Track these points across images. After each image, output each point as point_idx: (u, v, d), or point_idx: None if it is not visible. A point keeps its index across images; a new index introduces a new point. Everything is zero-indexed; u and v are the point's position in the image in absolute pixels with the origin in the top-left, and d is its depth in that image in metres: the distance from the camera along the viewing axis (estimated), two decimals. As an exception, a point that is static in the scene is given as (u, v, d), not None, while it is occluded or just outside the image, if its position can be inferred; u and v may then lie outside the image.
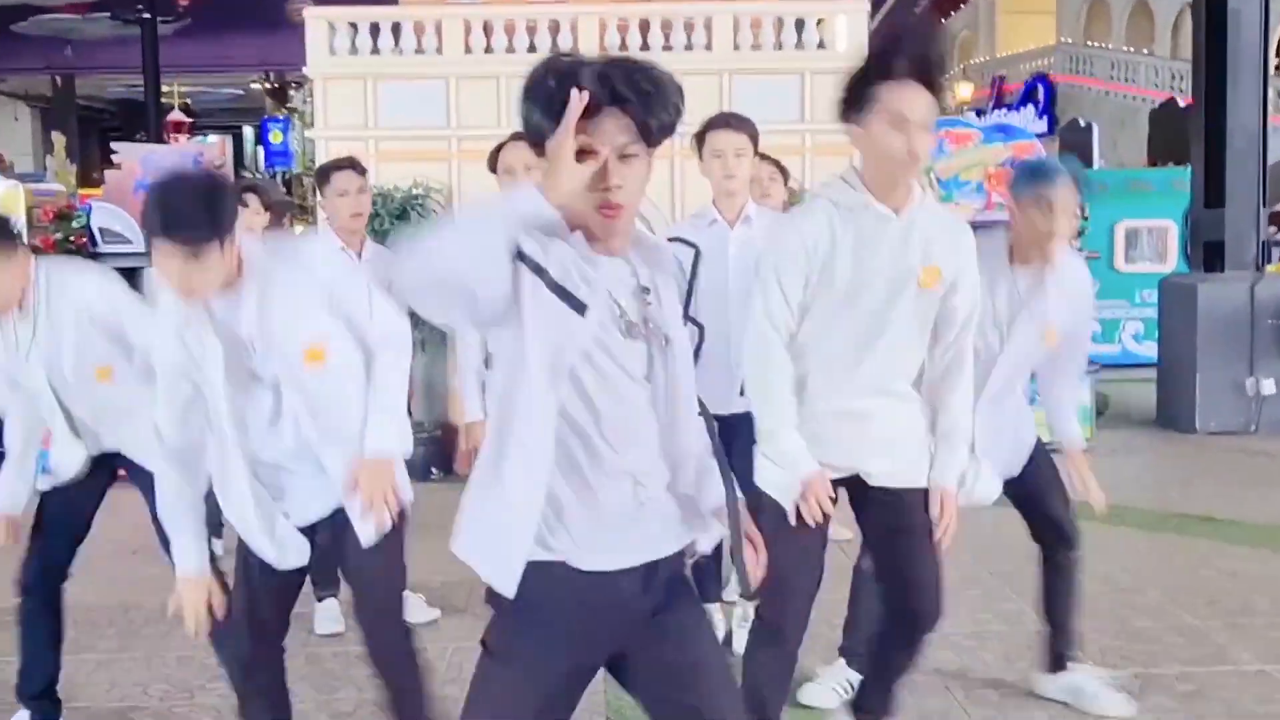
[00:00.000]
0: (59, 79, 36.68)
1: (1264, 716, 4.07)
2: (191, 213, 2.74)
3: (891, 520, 3.16)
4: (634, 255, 2.02)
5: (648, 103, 1.84)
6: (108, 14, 33.18)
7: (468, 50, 8.04)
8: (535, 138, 1.86)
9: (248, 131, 28.58)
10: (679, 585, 2.30)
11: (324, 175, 5.34)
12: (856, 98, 2.79)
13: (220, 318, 3.02)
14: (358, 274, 4.58)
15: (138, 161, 9.44)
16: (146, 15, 30.52)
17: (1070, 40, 23.83)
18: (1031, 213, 3.82)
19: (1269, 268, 9.52)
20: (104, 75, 36.91)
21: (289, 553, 3.15)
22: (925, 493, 3.12)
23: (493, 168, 4.92)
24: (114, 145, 11.37)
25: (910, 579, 3.21)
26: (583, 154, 1.78)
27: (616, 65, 1.86)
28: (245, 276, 3.02)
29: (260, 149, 28.18)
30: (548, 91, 1.79)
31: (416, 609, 5.50)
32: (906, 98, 2.71)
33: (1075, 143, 15.40)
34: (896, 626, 3.34)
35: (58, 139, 28.16)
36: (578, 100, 1.72)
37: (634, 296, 1.96)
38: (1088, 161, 14.32)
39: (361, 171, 5.35)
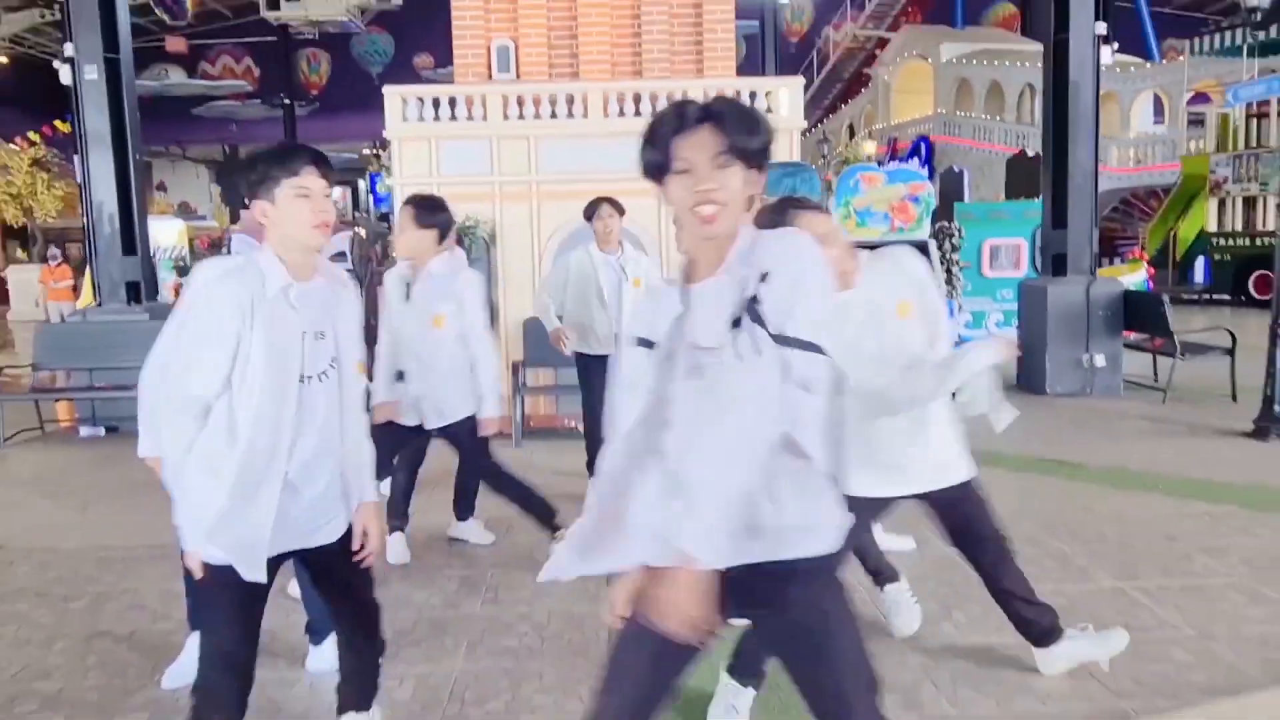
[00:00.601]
0: (226, 148, 36.29)
1: (1123, 624, 3.63)
2: None
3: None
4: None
5: (736, 121, 1.73)
6: (260, 100, 32.95)
7: (505, 117, 7.64)
8: (654, 173, 1.76)
9: (361, 184, 28.24)
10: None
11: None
12: None
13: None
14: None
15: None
16: (287, 102, 30.55)
17: (944, 111, 24.24)
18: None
19: (1099, 272, 9.43)
20: (258, 142, 36.47)
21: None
22: None
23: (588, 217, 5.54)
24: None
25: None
26: (682, 173, 1.72)
27: (716, 98, 1.82)
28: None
29: (370, 196, 27.89)
30: (660, 134, 1.73)
31: (476, 532, 5.15)
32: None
33: (951, 184, 15.26)
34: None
35: (214, 190, 27.86)
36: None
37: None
38: (960, 198, 14.13)
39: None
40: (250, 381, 2.18)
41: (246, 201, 2.26)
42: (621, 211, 5.54)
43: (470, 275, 4.69)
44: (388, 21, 30.24)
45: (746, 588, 1.72)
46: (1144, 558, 4.55)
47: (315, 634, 3.61)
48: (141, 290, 8.46)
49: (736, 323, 1.75)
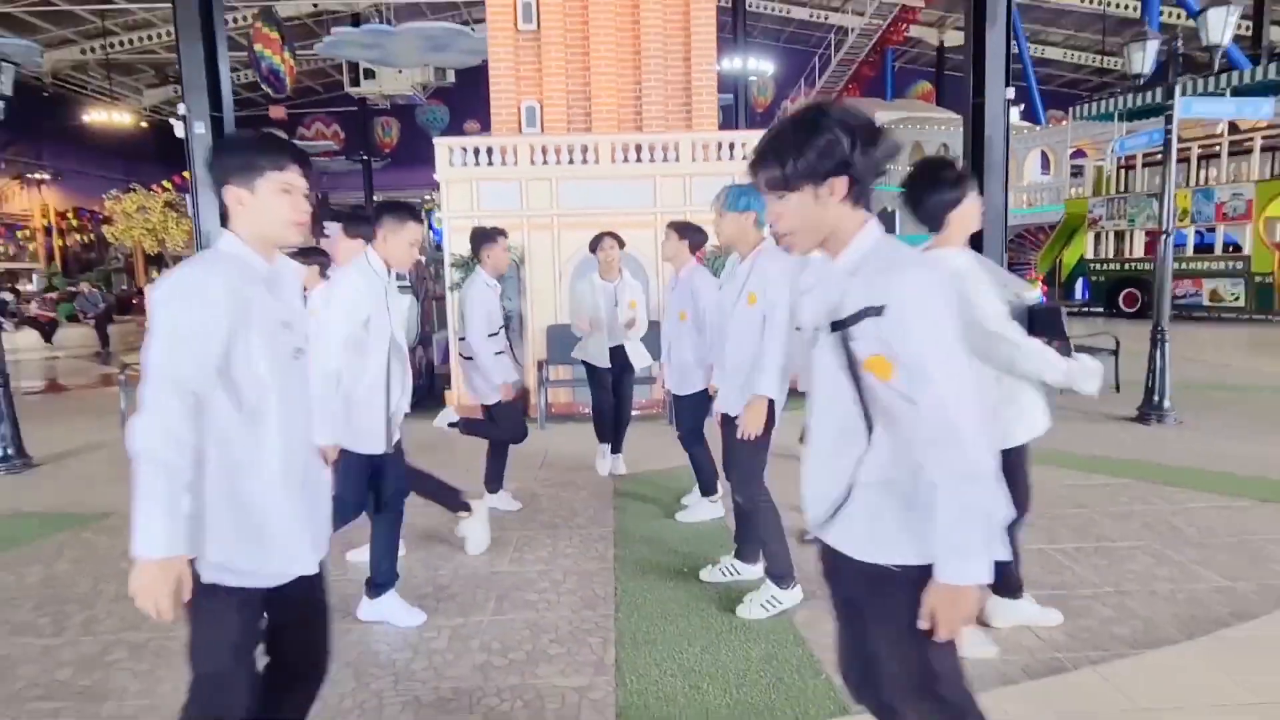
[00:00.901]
0: (319, 194, 35.91)
1: (1051, 584, 3.26)
2: None
3: None
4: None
5: (764, 158, 1.53)
6: (344, 157, 32.66)
7: (532, 163, 7.31)
8: (777, 185, 1.52)
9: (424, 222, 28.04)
10: None
11: (492, 238, 4.58)
12: None
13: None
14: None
15: (341, 232, 8.86)
16: (365, 158, 30.18)
17: None
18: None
19: (1008, 289, 8.99)
20: (344, 192, 36.14)
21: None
22: None
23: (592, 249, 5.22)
24: (325, 224, 10.57)
25: None
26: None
27: (767, 133, 1.56)
28: None
29: (430, 232, 27.73)
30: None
31: (506, 500, 4.76)
32: None
33: (885, 222, 14.79)
34: None
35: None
36: None
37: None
38: (893, 231, 13.68)
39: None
40: (259, 371, 1.65)
41: (220, 184, 1.72)
42: (622, 244, 5.19)
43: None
44: (444, 95, 29.91)
45: None
46: (1059, 523, 4.20)
47: (376, 588, 3.22)
48: None
49: (835, 326, 1.50)
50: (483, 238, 4.60)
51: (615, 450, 5.43)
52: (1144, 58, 6.47)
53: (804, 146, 1.46)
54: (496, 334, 4.53)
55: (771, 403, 3.13)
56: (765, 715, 2.52)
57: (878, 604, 1.56)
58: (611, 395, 5.32)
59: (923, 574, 1.44)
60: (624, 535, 4.25)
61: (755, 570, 3.43)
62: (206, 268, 1.64)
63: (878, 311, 1.42)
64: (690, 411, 4.39)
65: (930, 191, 2.62)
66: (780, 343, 3.06)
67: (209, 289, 1.60)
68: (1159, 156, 15.60)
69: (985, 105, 7.86)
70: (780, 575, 3.19)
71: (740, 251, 3.29)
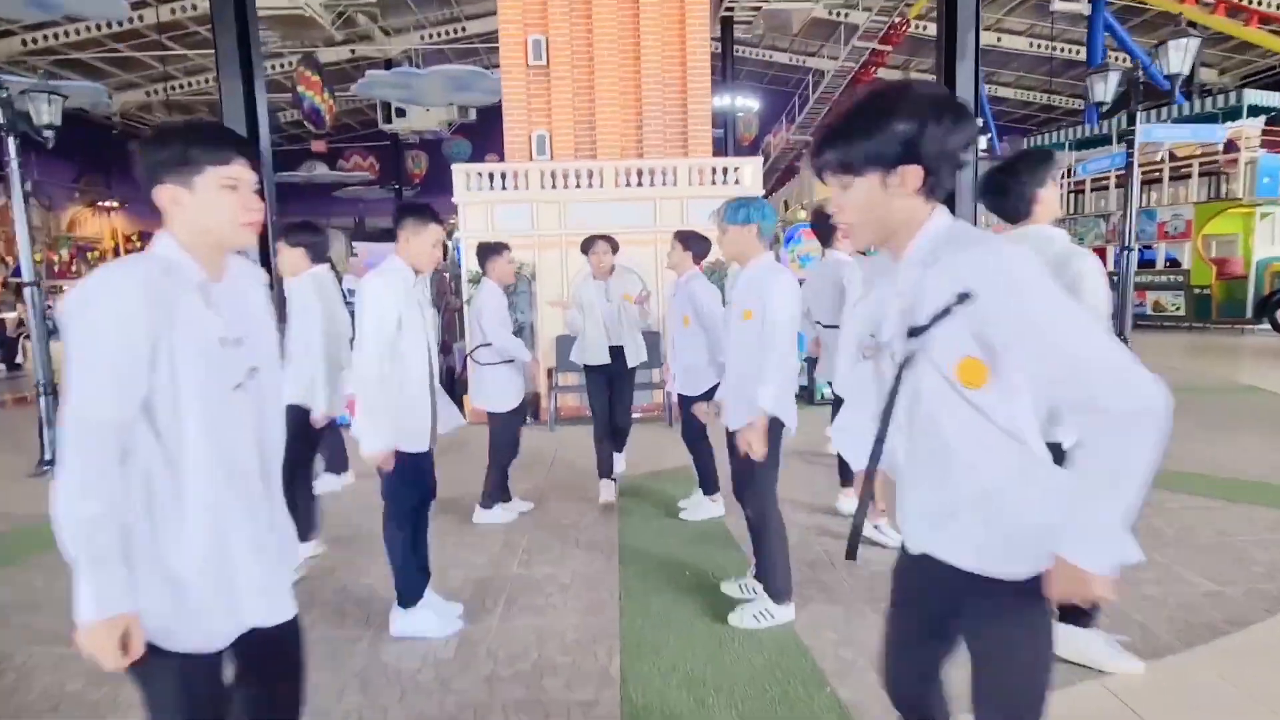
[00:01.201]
0: (356, 219, 35.81)
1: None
2: None
3: None
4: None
5: (827, 143, 1.21)
6: (379, 186, 32.56)
7: (542, 187, 7.03)
8: (841, 171, 1.20)
9: (448, 243, 27.78)
10: None
11: (496, 251, 4.35)
12: None
13: None
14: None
15: (367, 253, 8.63)
16: (398, 187, 30.08)
17: None
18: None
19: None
20: (378, 217, 36.07)
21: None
22: None
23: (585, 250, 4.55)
24: (354, 244, 10.28)
25: None
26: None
27: (836, 111, 1.22)
28: None
29: (455, 251, 27.44)
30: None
31: (515, 507, 4.37)
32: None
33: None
34: None
35: (341, 251, 27.36)
36: None
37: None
38: (864, 254, 13.36)
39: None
40: (184, 396, 1.23)
41: (151, 183, 1.29)
42: (615, 248, 4.58)
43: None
44: (467, 131, 29.68)
45: None
46: None
47: (405, 598, 2.84)
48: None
49: (913, 333, 1.17)
50: (487, 251, 4.39)
51: (618, 449, 5.01)
52: (1106, 88, 6.15)
53: (875, 129, 1.14)
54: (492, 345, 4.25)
55: (778, 420, 2.78)
56: (759, 695, 2.19)
57: (991, 625, 1.24)
58: (607, 398, 4.60)
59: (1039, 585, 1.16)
60: (629, 536, 3.91)
61: (787, 612, 2.87)
62: (124, 272, 1.21)
63: (967, 298, 1.09)
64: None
65: (1009, 183, 2.26)
66: (781, 357, 2.70)
67: (124, 299, 1.18)
68: (1105, 181, 15.35)
69: (956, 133, 7.58)
70: (777, 591, 2.83)
71: (743, 265, 2.94)
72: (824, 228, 4.12)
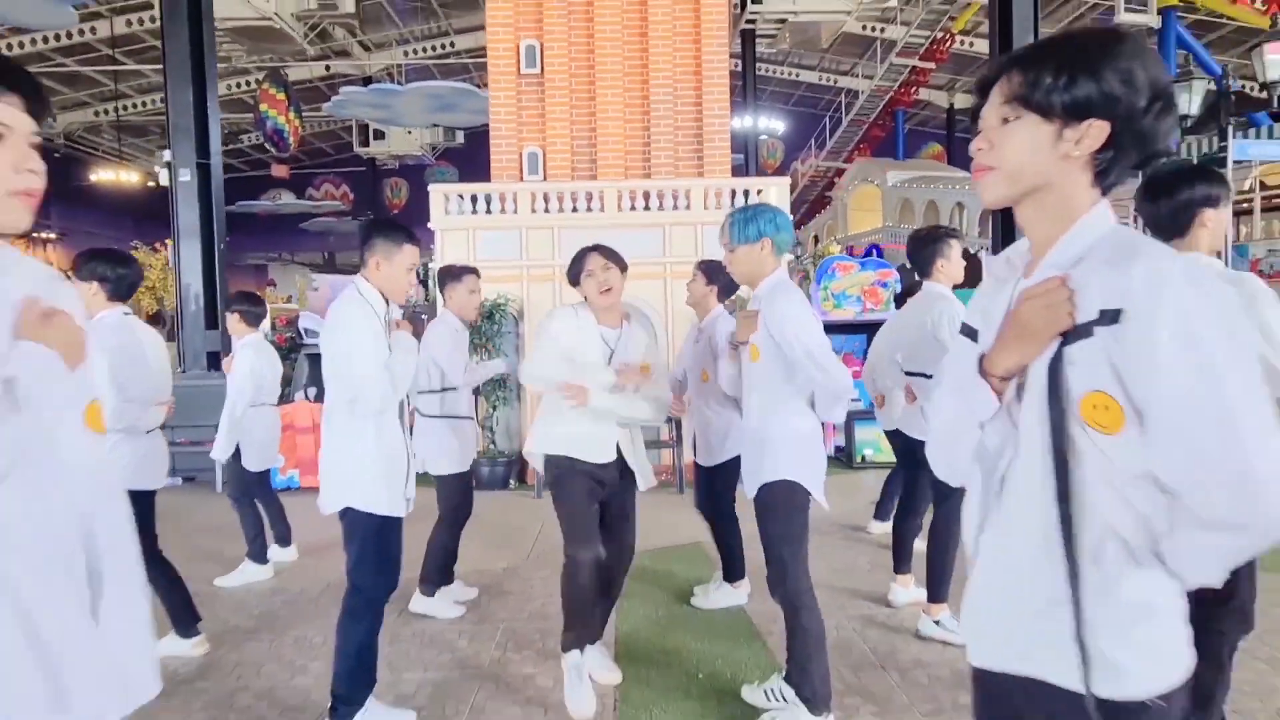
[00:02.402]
0: (325, 254, 36.37)
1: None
2: None
3: None
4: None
5: (1038, 60, 1.06)
6: (353, 218, 33.17)
7: (533, 211, 6.99)
8: (1017, 98, 1.06)
9: (431, 280, 28.11)
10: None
11: (456, 276, 4.05)
12: None
13: None
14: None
15: (329, 287, 8.66)
16: (373, 217, 30.46)
17: (891, 223, 23.96)
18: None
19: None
20: (350, 251, 36.55)
21: None
22: None
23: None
24: (313, 275, 10.35)
25: None
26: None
27: (1049, 37, 1.11)
28: None
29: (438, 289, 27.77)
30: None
31: (458, 593, 4.06)
32: None
33: (905, 277, 14.67)
34: None
35: (302, 283, 27.62)
36: None
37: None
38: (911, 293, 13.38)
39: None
40: None
41: None
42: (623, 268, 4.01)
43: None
44: (452, 156, 30.33)
45: None
46: None
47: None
48: (220, 359, 7.82)
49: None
50: (446, 275, 4.11)
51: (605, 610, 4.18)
52: (1190, 100, 6.09)
53: (1085, 65, 1.04)
54: (455, 390, 3.96)
55: (802, 487, 2.58)
56: None
57: None
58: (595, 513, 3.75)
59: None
60: (629, 627, 3.63)
61: None
62: None
63: (1113, 318, 0.97)
64: (723, 481, 3.84)
65: (1179, 187, 2.13)
66: (833, 379, 2.53)
67: None
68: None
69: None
70: (814, 699, 2.56)
71: (761, 271, 2.72)
72: (923, 252, 3.59)
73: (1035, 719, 1.11)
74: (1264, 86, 5.73)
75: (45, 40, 22.52)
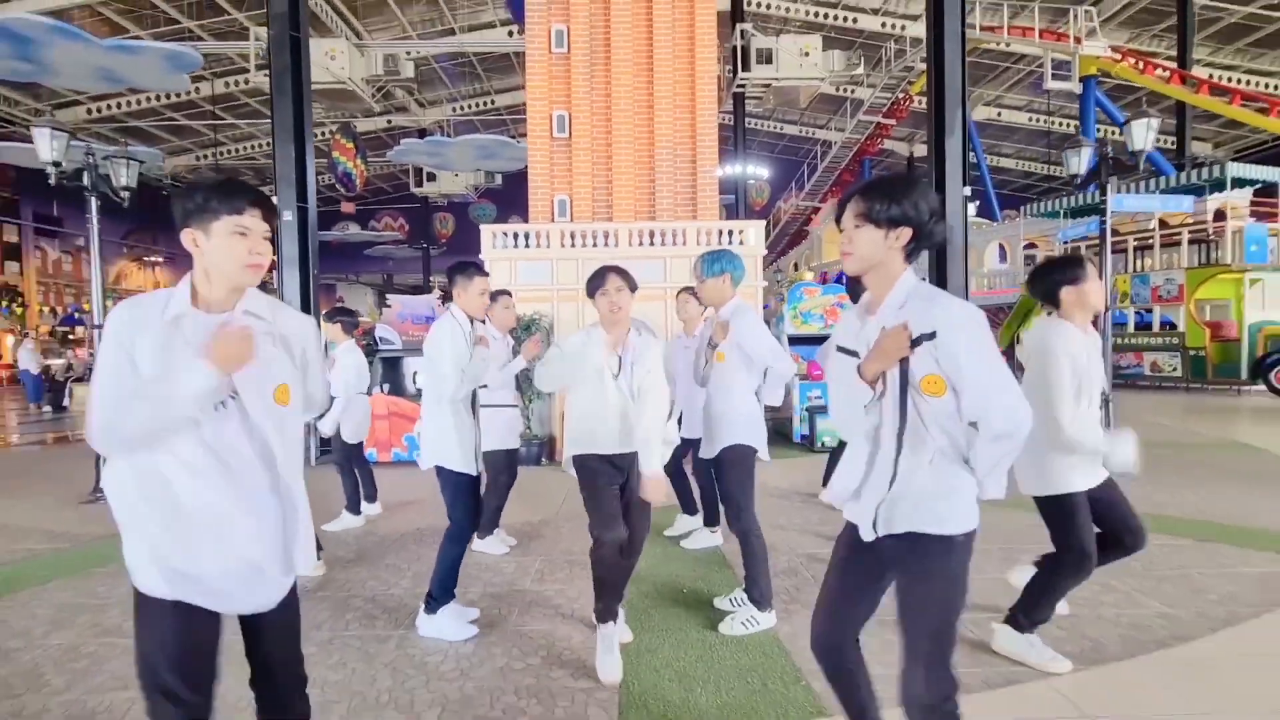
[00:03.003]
0: (385, 276, 36.72)
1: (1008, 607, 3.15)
2: None
3: None
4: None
5: (874, 193, 1.62)
6: (408, 246, 33.48)
7: (562, 246, 7.47)
8: (864, 216, 1.64)
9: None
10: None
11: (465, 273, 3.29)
12: None
13: None
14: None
15: (400, 305, 9.08)
16: (425, 246, 30.98)
17: None
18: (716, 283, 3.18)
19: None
20: (406, 274, 36.91)
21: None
22: None
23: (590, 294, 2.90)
24: (388, 297, 10.80)
25: None
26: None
27: (877, 178, 1.66)
28: None
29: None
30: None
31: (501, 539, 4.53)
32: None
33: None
34: None
35: (370, 301, 27.95)
36: None
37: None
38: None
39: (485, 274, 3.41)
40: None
41: (179, 227, 1.51)
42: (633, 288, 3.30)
43: None
44: (492, 194, 30.79)
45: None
46: (1021, 553, 4.00)
47: (429, 602, 3.08)
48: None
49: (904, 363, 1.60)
50: (456, 271, 3.29)
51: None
52: (1080, 160, 6.60)
53: (898, 197, 1.59)
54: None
55: (752, 448, 3.13)
56: (750, 715, 2.45)
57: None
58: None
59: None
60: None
61: (770, 618, 3.14)
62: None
63: (931, 336, 1.55)
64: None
65: (1042, 275, 2.73)
66: (779, 373, 3.10)
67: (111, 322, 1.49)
68: (1097, 246, 15.77)
69: (946, 201, 8.03)
70: (760, 599, 3.11)
71: (717, 309, 3.26)
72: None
73: (902, 556, 1.65)
74: (1133, 154, 6.23)
75: (159, 99, 23.28)
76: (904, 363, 1.57)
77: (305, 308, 8.27)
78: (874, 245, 1.61)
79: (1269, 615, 3.17)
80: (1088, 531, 2.67)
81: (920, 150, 29.83)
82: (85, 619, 3.41)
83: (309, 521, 1.68)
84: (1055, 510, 2.69)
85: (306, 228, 8.22)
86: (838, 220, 1.71)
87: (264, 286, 1.65)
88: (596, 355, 2.80)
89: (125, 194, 6.32)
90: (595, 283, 2.84)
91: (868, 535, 1.69)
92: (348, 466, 5.05)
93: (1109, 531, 2.76)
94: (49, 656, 2.99)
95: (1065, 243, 15.77)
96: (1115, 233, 14.67)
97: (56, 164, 5.70)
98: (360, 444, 5.16)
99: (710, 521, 4.48)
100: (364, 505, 5.18)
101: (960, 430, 1.59)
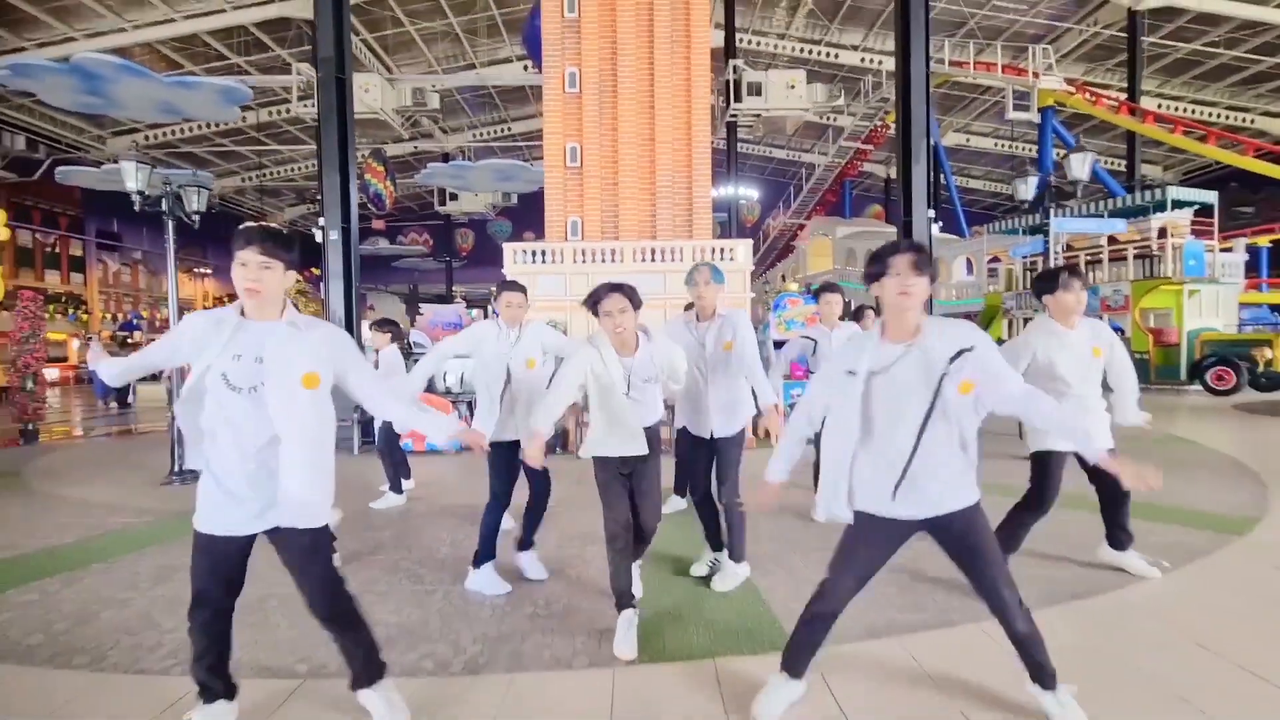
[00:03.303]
0: (410, 286, 37.01)
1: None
2: None
3: None
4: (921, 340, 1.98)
5: (920, 251, 1.97)
6: (432, 259, 33.76)
7: (574, 262, 7.80)
8: (874, 277, 2.02)
9: (490, 309, 28.84)
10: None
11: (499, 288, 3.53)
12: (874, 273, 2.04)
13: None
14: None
15: (432, 313, 9.41)
16: (448, 259, 31.27)
17: (839, 267, 23.99)
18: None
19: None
20: (430, 284, 37.15)
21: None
22: None
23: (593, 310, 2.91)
24: (421, 306, 11.10)
25: None
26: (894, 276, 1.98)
27: (910, 240, 2.01)
28: None
29: (494, 315, 28.47)
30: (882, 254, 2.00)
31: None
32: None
33: (845, 311, 15.25)
34: None
35: (397, 309, 28.07)
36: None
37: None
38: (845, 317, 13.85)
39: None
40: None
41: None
42: (637, 305, 3.14)
43: None
44: (509, 212, 31.12)
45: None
46: None
47: (476, 559, 3.38)
48: None
49: (942, 376, 1.92)
50: (499, 287, 3.55)
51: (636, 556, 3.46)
52: (1028, 188, 6.91)
53: (930, 258, 2.02)
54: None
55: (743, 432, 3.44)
56: (732, 645, 2.77)
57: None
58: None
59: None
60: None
61: (745, 568, 3.46)
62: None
63: (969, 351, 1.93)
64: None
65: (1034, 287, 3.29)
66: (762, 366, 3.40)
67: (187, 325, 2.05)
68: (1057, 260, 16.10)
69: (913, 220, 8.33)
70: (739, 557, 3.44)
71: (706, 313, 3.38)
72: (1038, 288, 3.30)
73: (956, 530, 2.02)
74: (1072, 183, 6.55)
75: (209, 126, 23.67)
76: (942, 377, 1.90)
77: (348, 312, 8.59)
78: (926, 289, 1.95)
79: (1167, 576, 3.49)
80: (1051, 483, 3.21)
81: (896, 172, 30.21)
82: (181, 575, 3.73)
83: (308, 475, 2.00)
84: (1033, 461, 3.30)
85: (349, 244, 8.58)
86: (877, 276, 1.99)
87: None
88: (613, 372, 2.81)
89: (196, 216, 6.67)
90: (595, 300, 2.80)
91: (887, 512, 2.03)
92: (388, 452, 5.38)
93: (1102, 495, 3.49)
94: (156, 604, 3.32)
95: (1017, 258, 16.08)
96: (1070, 248, 15.01)
97: (141, 192, 6.05)
98: (397, 434, 5.50)
99: (680, 491, 4.83)
100: (404, 484, 5.51)
101: (970, 421, 1.96)
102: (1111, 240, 14.65)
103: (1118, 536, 3.56)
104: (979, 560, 2.03)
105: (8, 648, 2.90)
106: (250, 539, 2.05)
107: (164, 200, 6.15)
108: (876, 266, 2.00)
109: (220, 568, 2.03)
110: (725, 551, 3.52)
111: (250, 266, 1.91)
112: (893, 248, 1.98)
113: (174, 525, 4.82)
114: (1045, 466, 3.23)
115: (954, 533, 2.02)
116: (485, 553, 3.44)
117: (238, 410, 1.94)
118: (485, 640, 2.87)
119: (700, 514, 3.52)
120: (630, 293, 2.82)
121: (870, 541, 2.09)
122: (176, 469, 6.39)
